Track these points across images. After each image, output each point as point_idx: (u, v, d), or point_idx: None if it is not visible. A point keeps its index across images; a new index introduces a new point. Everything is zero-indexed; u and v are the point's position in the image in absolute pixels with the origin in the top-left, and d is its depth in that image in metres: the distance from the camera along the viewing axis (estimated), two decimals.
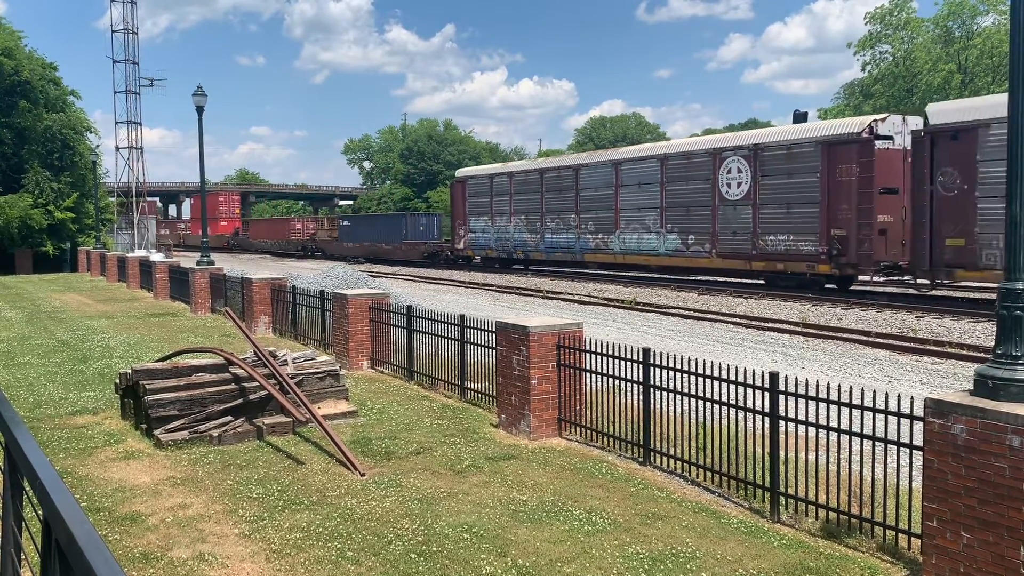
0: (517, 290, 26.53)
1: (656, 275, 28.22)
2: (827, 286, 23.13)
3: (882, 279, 23.05)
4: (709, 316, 19.24)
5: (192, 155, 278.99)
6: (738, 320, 18.51)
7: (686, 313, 19.76)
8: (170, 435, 8.33)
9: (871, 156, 21.19)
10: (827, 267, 22.29)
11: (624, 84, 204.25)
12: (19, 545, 2.88)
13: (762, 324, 17.73)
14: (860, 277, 22.98)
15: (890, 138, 21.49)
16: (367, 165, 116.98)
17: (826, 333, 16.24)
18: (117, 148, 59.15)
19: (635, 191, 28.49)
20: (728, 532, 5.94)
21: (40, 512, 2.19)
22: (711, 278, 27.26)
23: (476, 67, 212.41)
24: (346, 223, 55.08)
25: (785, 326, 17.24)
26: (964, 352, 13.78)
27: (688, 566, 5.35)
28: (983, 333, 15.52)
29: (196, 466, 7.63)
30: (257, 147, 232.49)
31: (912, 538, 5.47)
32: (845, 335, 15.97)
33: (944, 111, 19.71)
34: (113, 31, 56.91)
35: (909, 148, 20.78)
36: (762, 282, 24.88)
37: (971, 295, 20.62)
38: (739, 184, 24.71)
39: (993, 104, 18.10)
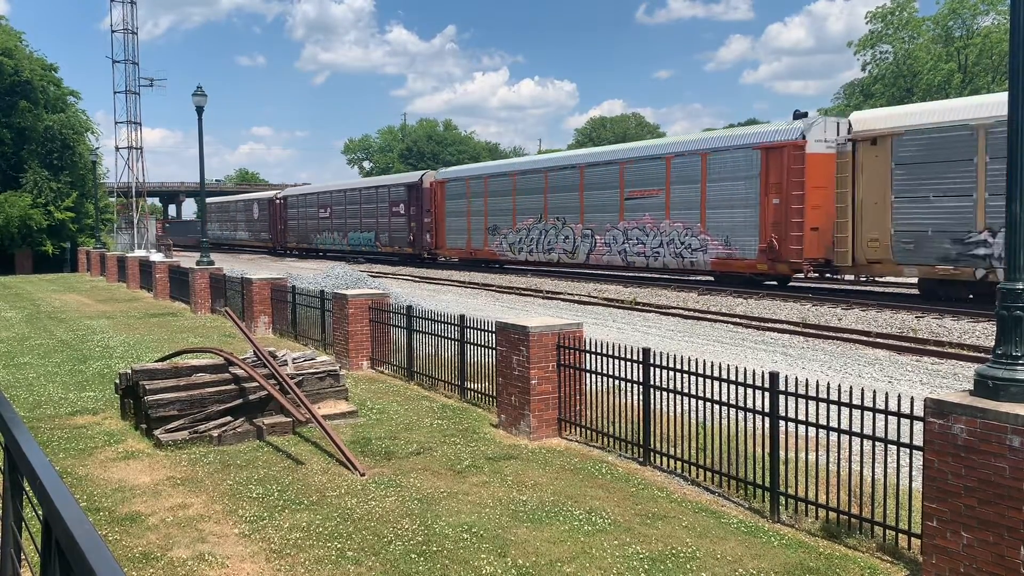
0: (517, 290, 26.56)
1: (250, 247, 64.86)
2: (278, 253, 58.14)
3: (295, 250, 56.32)
4: (709, 316, 19.24)
5: (193, 155, 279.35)
6: (738, 320, 18.51)
7: (686, 313, 19.76)
8: (170, 435, 8.33)
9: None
10: (269, 244, 58.07)
11: (624, 85, 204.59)
12: (19, 545, 2.88)
13: (762, 324, 17.72)
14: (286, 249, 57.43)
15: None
16: (367, 165, 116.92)
17: (826, 333, 16.23)
18: (117, 148, 59.19)
19: (247, 215, 64.51)
20: (728, 532, 5.94)
21: (40, 512, 2.19)
22: (272, 248, 59.92)
23: (477, 68, 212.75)
24: (168, 226, 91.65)
25: (785, 326, 17.23)
26: (964, 352, 13.77)
27: (688, 566, 5.35)
28: (983, 333, 15.51)
29: (196, 466, 7.63)
30: (258, 147, 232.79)
31: (912, 538, 5.47)
32: (845, 335, 15.96)
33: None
34: (113, 31, 56.91)
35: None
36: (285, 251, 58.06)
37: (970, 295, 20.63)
38: (256, 215, 61.90)
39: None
